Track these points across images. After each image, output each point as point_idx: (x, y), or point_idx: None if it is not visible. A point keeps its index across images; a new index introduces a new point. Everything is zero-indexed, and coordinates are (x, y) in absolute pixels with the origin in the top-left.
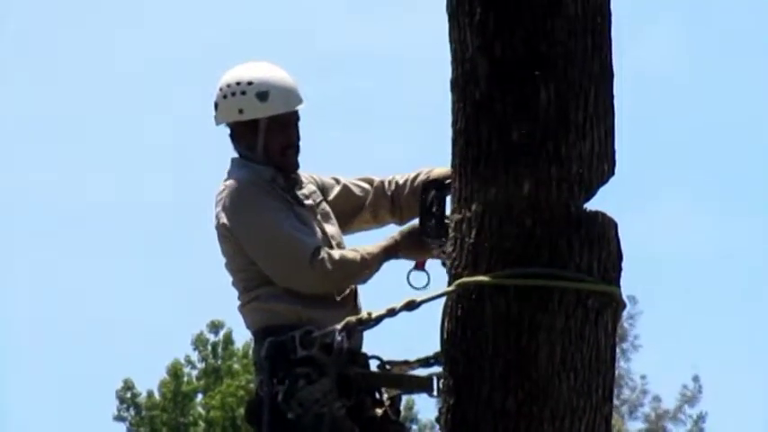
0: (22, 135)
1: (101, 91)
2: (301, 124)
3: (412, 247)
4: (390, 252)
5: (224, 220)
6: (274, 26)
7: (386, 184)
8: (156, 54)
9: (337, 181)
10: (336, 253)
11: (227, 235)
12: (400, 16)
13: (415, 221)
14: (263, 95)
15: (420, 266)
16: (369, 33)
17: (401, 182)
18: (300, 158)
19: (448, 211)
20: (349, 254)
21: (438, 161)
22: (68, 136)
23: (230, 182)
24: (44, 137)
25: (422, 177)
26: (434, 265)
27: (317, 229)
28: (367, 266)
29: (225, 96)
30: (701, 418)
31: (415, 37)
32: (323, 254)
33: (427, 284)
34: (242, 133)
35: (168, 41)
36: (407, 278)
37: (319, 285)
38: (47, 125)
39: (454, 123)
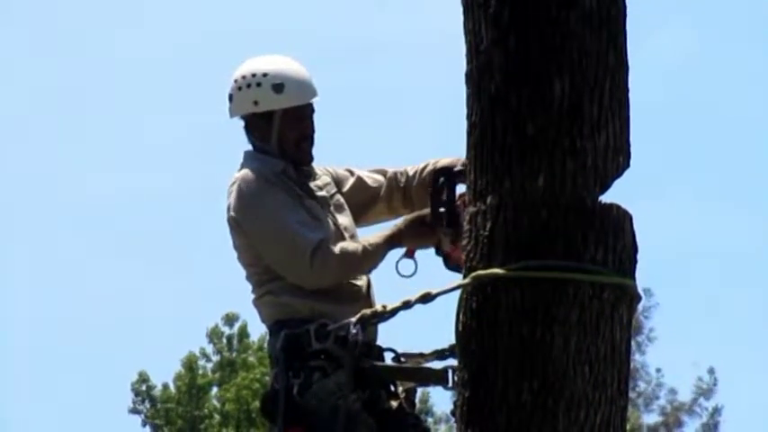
0: (36, 131)
1: (102, 90)
2: (316, 116)
3: (417, 236)
4: (394, 241)
5: (233, 212)
6: (285, 19)
7: (398, 175)
8: (159, 49)
9: (351, 173)
10: (337, 247)
11: (237, 228)
12: (416, 7)
13: (421, 210)
14: (278, 87)
15: (410, 254)
16: (383, 24)
17: (411, 173)
18: (315, 150)
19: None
20: (350, 246)
21: (454, 153)
22: (71, 132)
23: (240, 173)
24: (51, 136)
25: (429, 168)
26: (425, 255)
27: (329, 221)
28: (369, 257)
29: (240, 88)
30: (716, 410)
31: (431, 27)
32: (323, 249)
33: (414, 272)
34: (256, 125)
35: (172, 38)
36: (396, 265)
37: (319, 282)
38: (53, 119)
39: (469, 116)
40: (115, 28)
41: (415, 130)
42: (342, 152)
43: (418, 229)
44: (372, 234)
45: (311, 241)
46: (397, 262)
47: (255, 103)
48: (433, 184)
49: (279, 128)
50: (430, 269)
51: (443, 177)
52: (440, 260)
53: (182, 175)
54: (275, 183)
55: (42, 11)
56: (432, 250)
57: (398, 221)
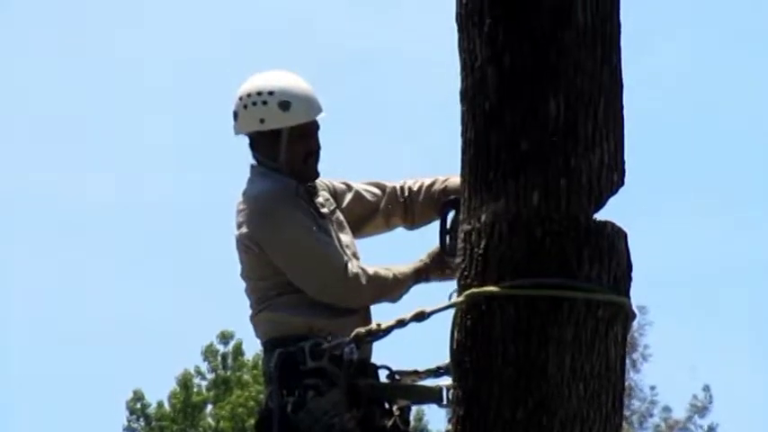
0: (31, 135)
1: (104, 90)
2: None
3: (439, 270)
4: (421, 275)
5: (250, 231)
6: (282, 26)
7: (398, 190)
8: (159, 54)
9: (349, 187)
10: (371, 269)
11: (250, 246)
12: (413, 18)
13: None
14: (285, 105)
15: None
16: (379, 35)
17: (415, 188)
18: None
19: None
20: (382, 271)
21: (449, 165)
22: (72, 137)
23: (255, 193)
24: (51, 137)
25: (438, 187)
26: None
27: (336, 240)
28: (398, 286)
29: (245, 106)
30: (711, 429)
31: (427, 39)
32: (356, 268)
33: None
34: (262, 143)
35: (175, 42)
36: None
37: (354, 299)
38: (53, 124)
39: (463, 133)
40: (116, 28)
41: (410, 140)
42: (339, 163)
43: (442, 262)
44: (398, 264)
45: (343, 260)
46: None
47: (262, 121)
48: (441, 215)
49: (286, 145)
50: (422, 287)
51: (453, 209)
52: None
53: (179, 191)
54: (295, 203)
55: (44, 12)
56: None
57: (423, 256)
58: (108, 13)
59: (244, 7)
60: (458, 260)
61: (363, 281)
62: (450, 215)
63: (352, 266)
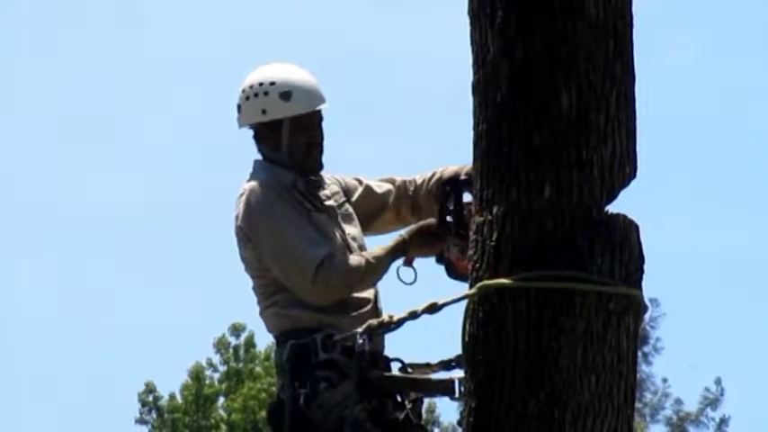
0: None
1: (110, 91)
2: (325, 124)
3: (423, 246)
4: (397, 252)
5: (241, 223)
6: (292, 26)
7: (407, 183)
8: (165, 54)
9: (360, 182)
10: (340, 263)
11: (245, 239)
12: (425, 16)
13: (425, 220)
14: (286, 95)
15: (409, 262)
16: (392, 33)
17: (419, 182)
18: (324, 158)
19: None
20: (353, 261)
21: (461, 161)
22: (80, 139)
23: (249, 185)
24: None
25: (436, 176)
26: (426, 263)
27: (336, 232)
28: (372, 271)
29: (248, 98)
30: (723, 421)
31: (440, 37)
32: (325, 266)
33: (414, 280)
34: (265, 134)
35: (181, 42)
36: (397, 273)
37: (322, 298)
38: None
39: (475, 126)
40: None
41: (423, 137)
42: (350, 160)
43: (425, 240)
44: (376, 246)
45: (314, 258)
46: (398, 270)
47: (263, 111)
48: (440, 195)
49: (288, 136)
50: (435, 278)
51: (450, 187)
52: (441, 268)
53: (189, 183)
54: (283, 195)
55: (45, 12)
56: (430, 258)
57: (402, 232)
58: (107, 13)
59: (269, 6)
60: (469, 252)
61: (331, 279)
62: (449, 197)
63: (323, 264)
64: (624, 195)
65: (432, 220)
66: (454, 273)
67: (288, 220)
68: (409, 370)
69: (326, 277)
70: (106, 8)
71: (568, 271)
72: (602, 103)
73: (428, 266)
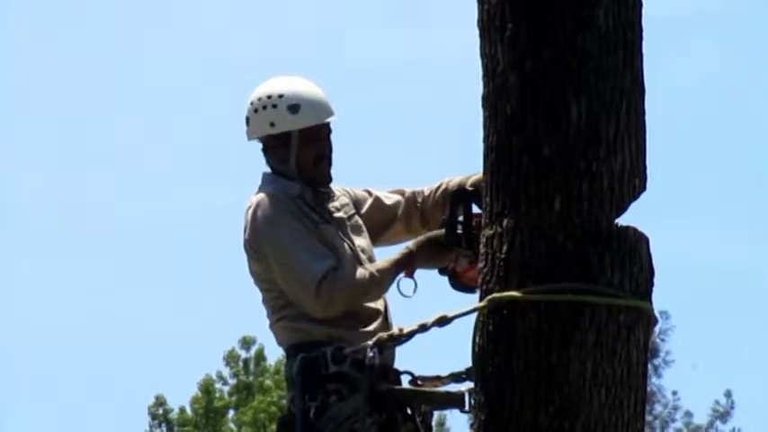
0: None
1: (121, 95)
2: (335, 137)
3: (431, 257)
4: (402, 265)
5: (248, 236)
6: (298, 40)
7: (416, 195)
8: (178, 64)
9: (369, 193)
10: (343, 277)
11: (253, 253)
12: (434, 29)
13: (432, 232)
14: (294, 108)
15: (409, 274)
16: (401, 47)
17: (427, 193)
18: (335, 171)
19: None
20: (357, 274)
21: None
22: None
23: (256, 198)
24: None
25: (443, 188)
26: (429, 274)
27: (345, 244)
28: (377, 283)
29: (256, 110)
30: None
31: (448, 50)
32: (328, 280)
33: (415, 292)
34: (274, 147)
35: (184, 48)
36: (398, 285)
37: (325, 312)
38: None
39: (485, 138)
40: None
41: (433, 151)
42: (361, 173)
43: (433, 251)
44: (381, 258)
45: (317, 272)
46: (398, 282)
47: (272, 124)
48: (448, 206)
49: (296, 149)
50: (442, 290)
51: (457, 198)
52: (445, 280)
53: (200, 198)
54: (289, 207)
55: (45, 13)
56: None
57: (409, 244)
58: (107, 13)
59: (278, 20)
60: (479, 265)
61: (334, 293)
62: (456, 208)
63: (326, 278)
64: (634, 207)
65: (439, 232)
66: (459, 284)
67: (293, 233)
68: (419, 383)
69: (329, 291)
70: (106, 8)
71: (578, 284)
72: (612, 114)
73: (435, 279)
